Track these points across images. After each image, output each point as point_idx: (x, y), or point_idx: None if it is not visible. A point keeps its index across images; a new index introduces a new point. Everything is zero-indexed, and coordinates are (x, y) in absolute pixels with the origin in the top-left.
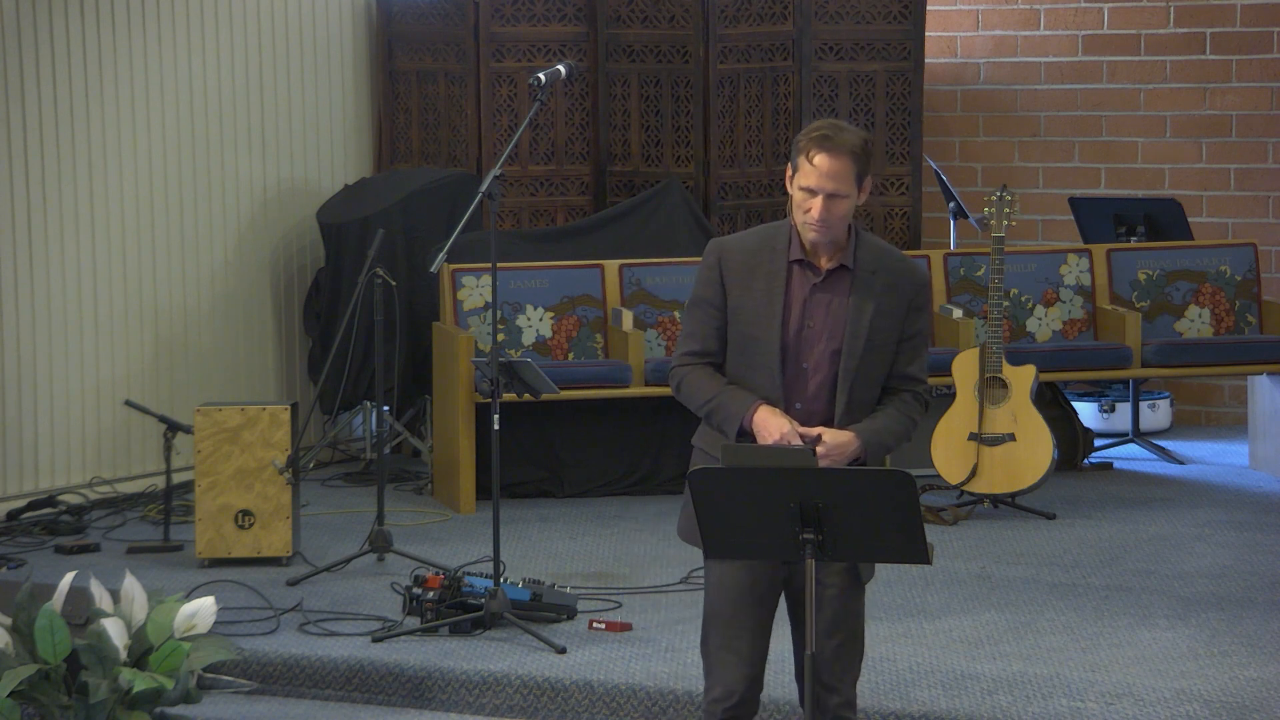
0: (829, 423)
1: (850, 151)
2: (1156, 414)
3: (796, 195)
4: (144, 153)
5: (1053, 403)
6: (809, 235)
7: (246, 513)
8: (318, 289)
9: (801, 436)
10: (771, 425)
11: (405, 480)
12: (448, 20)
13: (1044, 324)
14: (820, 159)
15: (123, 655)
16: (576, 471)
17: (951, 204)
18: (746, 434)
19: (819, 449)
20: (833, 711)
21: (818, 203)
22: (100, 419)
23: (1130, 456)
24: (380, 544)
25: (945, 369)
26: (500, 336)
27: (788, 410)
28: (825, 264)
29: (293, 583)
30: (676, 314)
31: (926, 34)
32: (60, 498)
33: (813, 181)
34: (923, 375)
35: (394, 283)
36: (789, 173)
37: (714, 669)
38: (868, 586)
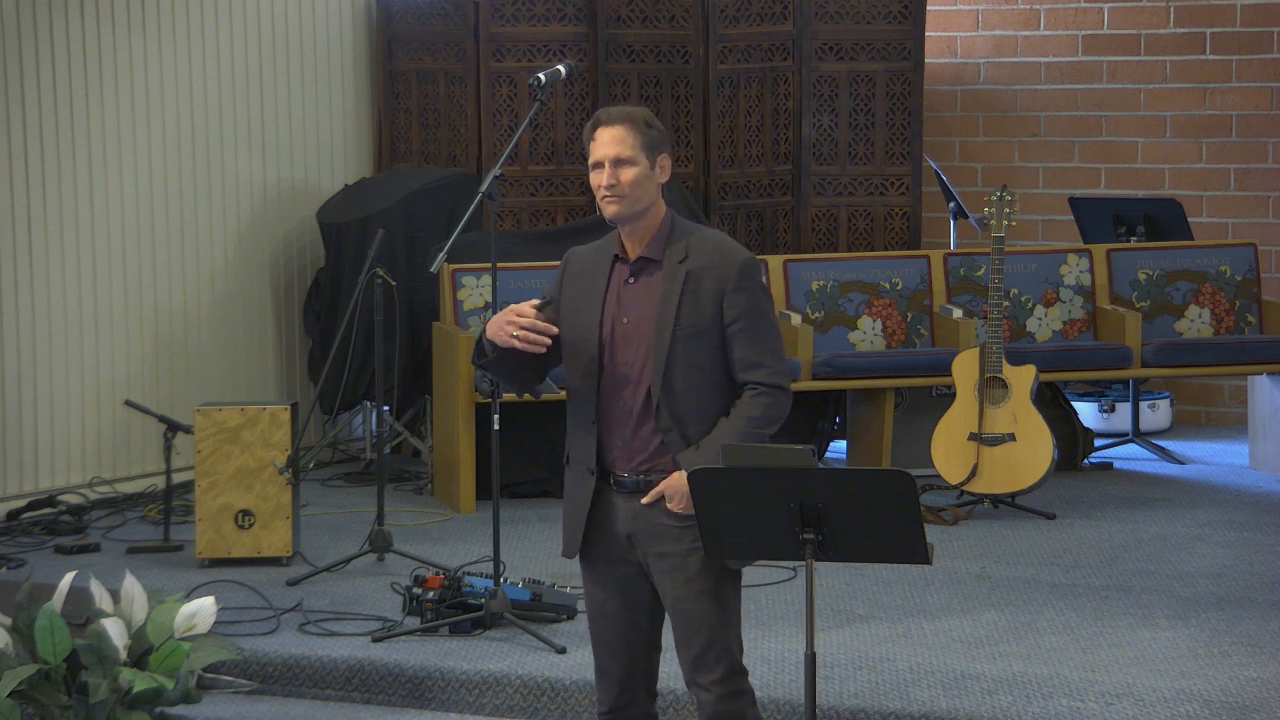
0: (650, 419)
1: (626, 117)
2: (1156, 414)
3: (592, 179)
4: (144, 153)
5: (1053, 403)
6: (608, 210)
7: (246, 513)
8: (318, 289)
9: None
10: (496, 320)
11: (405, 480)
12: (448, 20)
13: (1044, 324)
14: (599, 132)
15: (123, 655)
16: None
17: (951, 204)
18: (490, 349)
19: (657, 498)
20: (712, 706)
21: (605, 171)
22: (100, 419)
23: (1130, 456)
24: (380, 544)
25: (945, 369)
26: None
27: (608, 411)
28: (634, 256)
29: (293, 583)
30: None
31: (926, 34)
32: (60, 498)
33: (597, 154)
34: (766, 361)
35: (394, 283)
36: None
37: (596, 683)
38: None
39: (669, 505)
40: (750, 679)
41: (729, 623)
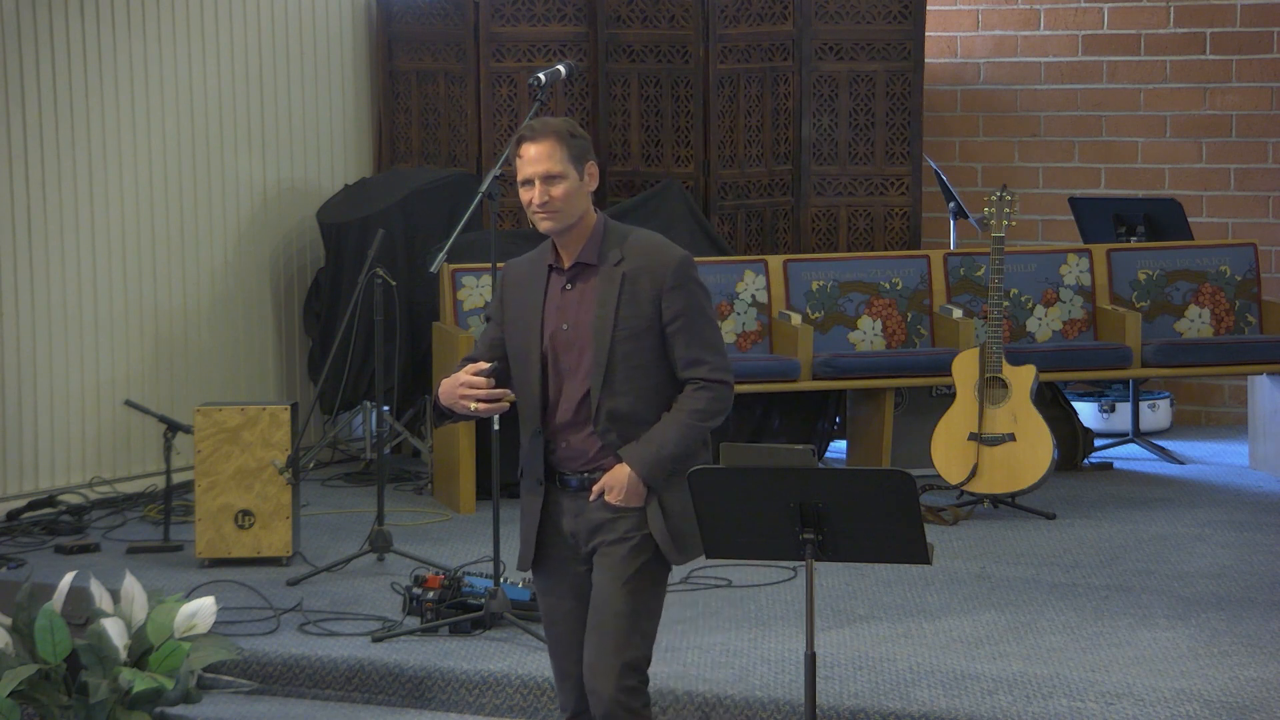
0: (591, 422)
1: (553, 133)
2: (1156, 414)
3: (522, 195)
4: (144, 153)
5: (1053, 403)
6: (543, 226)
7: (246, 513)
8: (318, 289)
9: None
10: (447, 389)
11: (405, 480)
12: (448, 20)
13: (1044, 324)
14: (526, 148)
15: (123, 655)
16: None
17: (951, 204)
18: (445, 411)
19: (599, 493)
20: (608, 701)
21: (537, 188)
22: (100, 419)
23: (1130, 456)
24: (380, 544)
25: (945, 369)
26: None
27: (554, 416)
28: (569, 263)
29: (293, 583)
30: None
31: (926, 34)
32: (60, 498)
33: (526, 171)
34: (709, 358)
35: (394, 283)
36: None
37: (556, 689)
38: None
39: (606, 497)
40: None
41: (641, 619)
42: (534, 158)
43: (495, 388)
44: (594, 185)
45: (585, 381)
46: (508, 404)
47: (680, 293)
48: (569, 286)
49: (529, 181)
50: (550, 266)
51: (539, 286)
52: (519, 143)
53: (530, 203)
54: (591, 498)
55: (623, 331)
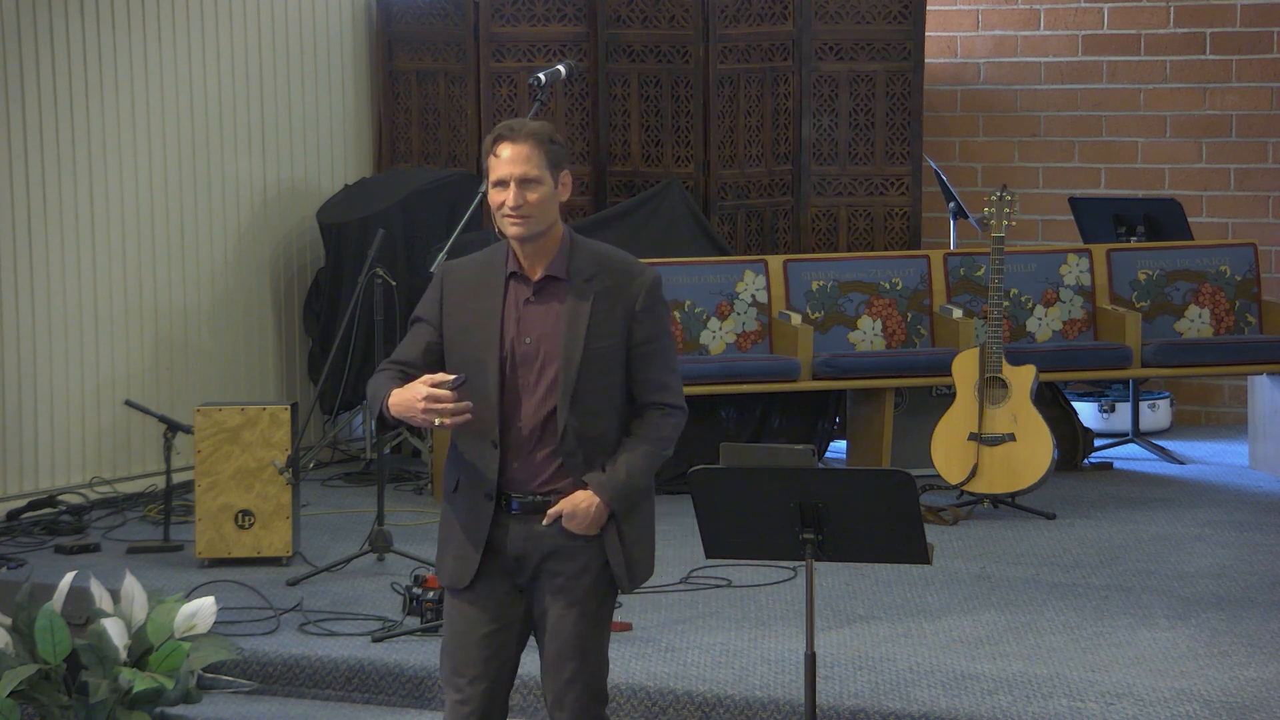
0: (553, 441)
1: (532, 135)
2: (1156, 414)
3: (491, 197)
4: (144, 153)
5: (1053, 403)
6: (511, 231)
7: (246, 513)
8: (318, 289)
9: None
10: (405, 401)
11: (405, 480)
12: (448, 20)
13: (1044, 324)
14: (503, 148)
15: (123, 655)
16: None
17: (951, 204)
18: (392, 422)
19: (556, 517)
20: None
21: (511, 191)
22: (100, 419)
23: (1130, 456)
24: (380, 544)
25: (945, 369)
26: None
27: (508, 433)
28: (537, 274)
29: (293, 583)
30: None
31: (926, 34)
32: (60, 498)
33: (501, 172)
34: (670, 383)
35: (394, 283)
36: (486, 188)
37: (448, 709)
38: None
39: (567, 524)
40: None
41: (604, 650)
42: (511, 159)
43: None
44: (566, 195)
45: (548, 399)
46: (469, 418)
47: (652, 315)
48: (533, 299)
49: (503, 182)
50: (512, 274)
51: (494, 294)
52: (496, 141)
53: (502, 205)
54: (546, 522)
55: (594, 350)
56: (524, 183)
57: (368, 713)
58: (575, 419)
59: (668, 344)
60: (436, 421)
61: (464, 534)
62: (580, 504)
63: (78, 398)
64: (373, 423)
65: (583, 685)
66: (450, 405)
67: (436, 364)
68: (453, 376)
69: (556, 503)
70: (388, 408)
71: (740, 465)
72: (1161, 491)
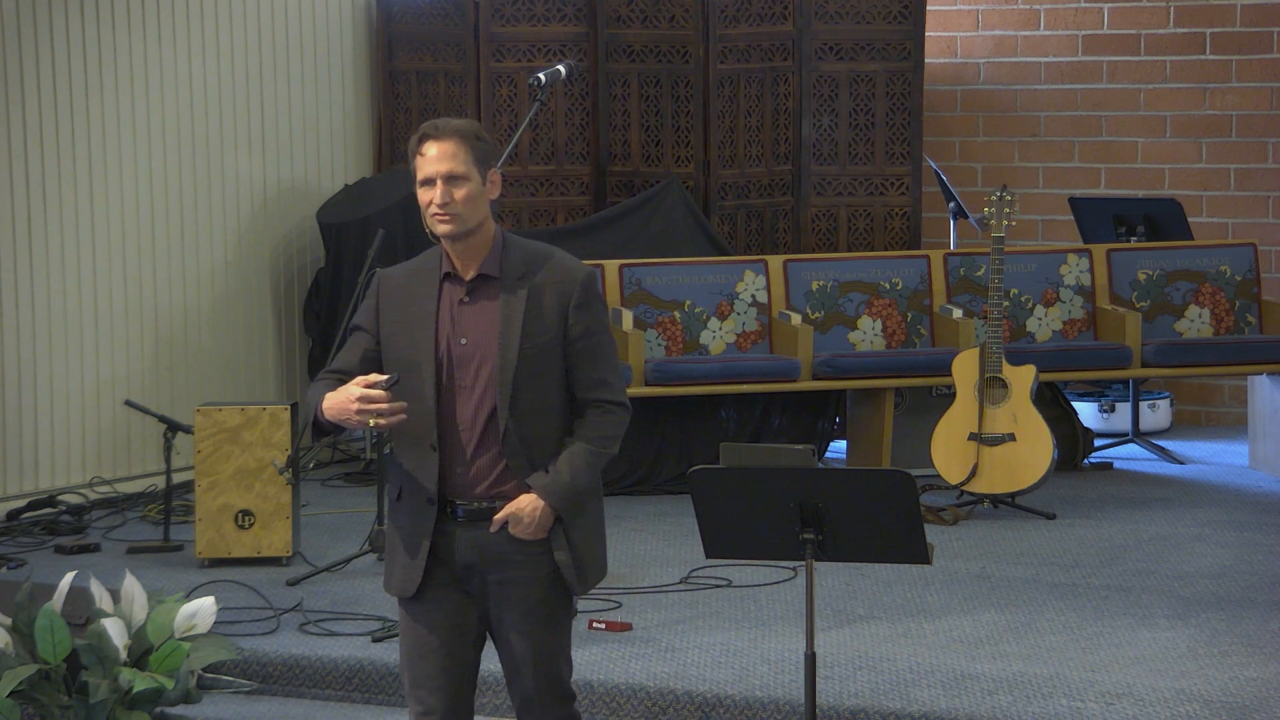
0: (495, 443)
1: (456, 132)
2: (1156, 414)
3: (419, 196)
4: (144, 153)
5: (1053, 403)
6: (441, 229)
7: (246, 513)
8: (318, 289)
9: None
10: (339, 403)
11: None
12: (448, 20)
13: (1044, 324)
14: (428, 146)
15: (123, 655)
16: None
17: (951, 204)
18: (326, 426)
19: (502, 523)
20: None
21: (438, 188)
22: (100, 419)
23: (1130, 456)
24: (380, 544)
25: (945, 369)
26: None
27: (447, 437)
28: (470, 274)
29: (293, 583)
30: (677, 314)
31: (926, 34)
32: (60, 498)
33: (428, 170)
34: (610, 380)
35: None
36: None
37: (409, 712)
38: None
39: (513, 530)
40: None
41: (567, 651)
42: (437, 156)
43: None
44: (495, 193)
45: (484, 400)
46: (404, 417)
47: (587, 310)
48: (467, 299)
49: (429, 181)
50: (446, 275)
51: (429, 297)
52: (421, 140)
53: (429, 203)
54: (493, 528)
55: (530, 348)
56: (450, 180)
57: (368, 713)
58: (515, 419)
59: (604, 341)
60: (371, 422)
61: (409, 542)
62: (524, 508)
63: (78, 398)
64: (309, 430)
65: (546, 689)
66: (385, 405)
67: (374, 371)
68: (385, 377)
69: (502, 508)
70: (321, 412)
71: (740, 465)
72: (1161, 491)
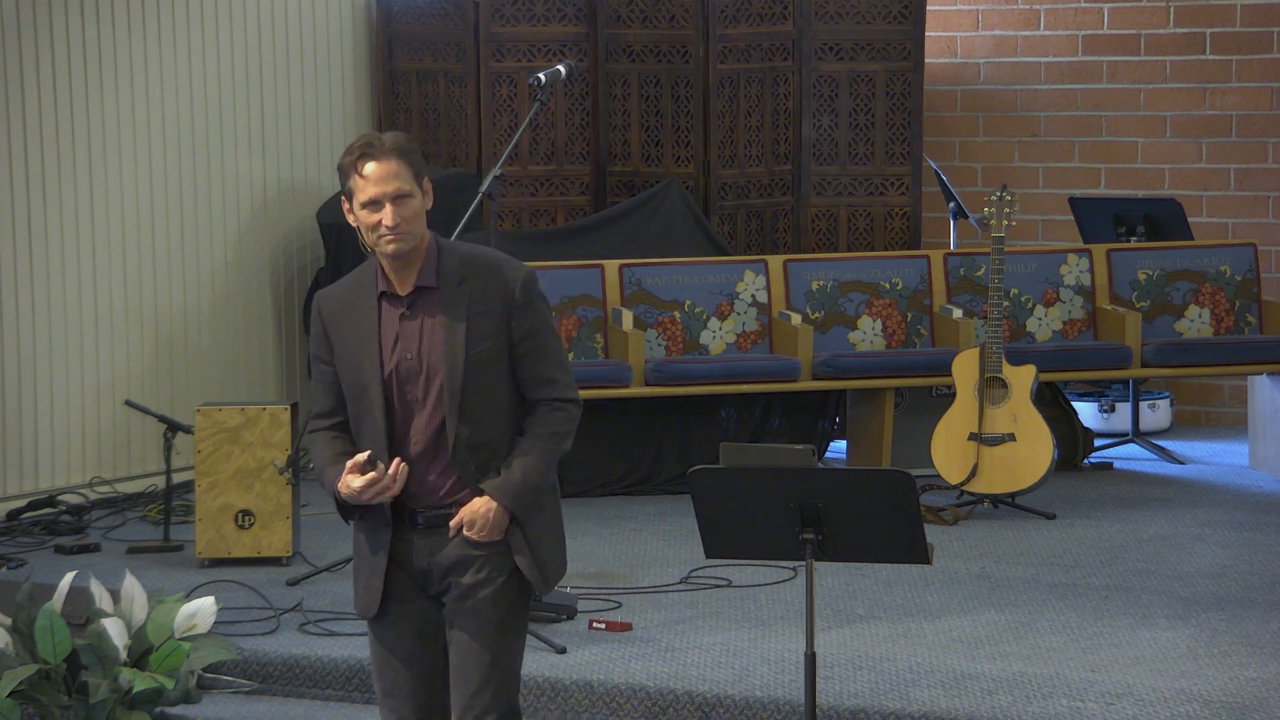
0: (447, 453)
1: (395, 149)
2: (1156, 414)
3: (363, 218)
4: (144, 153)
5: (1053, 403)
6: (391, 248)
7: (246, 513)
8: (318, 289)
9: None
10: (352, 496)
11: None
12: (448, 20)
13: (1044, 324)
14: (370, 168)
15: (123, 655)
16: (576, 471)
17: (951, 204)
18: (349, 507)
19: (459, 528)
20: None
21: (387, 210)
22: (100, 419)
23: (1130, 456)
24: None
25: (945, 369)
26: None
27: (401, 452)
28: (408, 288)
29: (293, 583)
30: (677, 314)
31: (926, 34)
32: (60, 498)
33: (374, 191)
34: (557, 377)
35: None
36: (345, 207)
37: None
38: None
39: (467, 533)
40: (757, 678)
41: (511, 661)
42: (382, 176)
43: (373, 465)
44: (430, 203)
45: (437, 412)
46: (405, 467)
47: (529, 310)
48: (407, 314)
49: (375, 203)
50: (382, 294)
51: (368, 316)
52: (361, 159)
53: (378, 225)
54: (451, 534)
55: (475, 355)
56: (398, 199)
57: (368, 713)
58: (465, 427)
59: (549, 338)
60: (389, 497)
61: (367, 560)
62: (479, 511)
63: (78, 398)
64: (338, 513)
65: (490, 698)
66: (389, 478)
67: (343, 398)
68: (364, 460)
69: (457, 513)
70: (339, 500)
71: (740, 465)
72: (1161, 491)
